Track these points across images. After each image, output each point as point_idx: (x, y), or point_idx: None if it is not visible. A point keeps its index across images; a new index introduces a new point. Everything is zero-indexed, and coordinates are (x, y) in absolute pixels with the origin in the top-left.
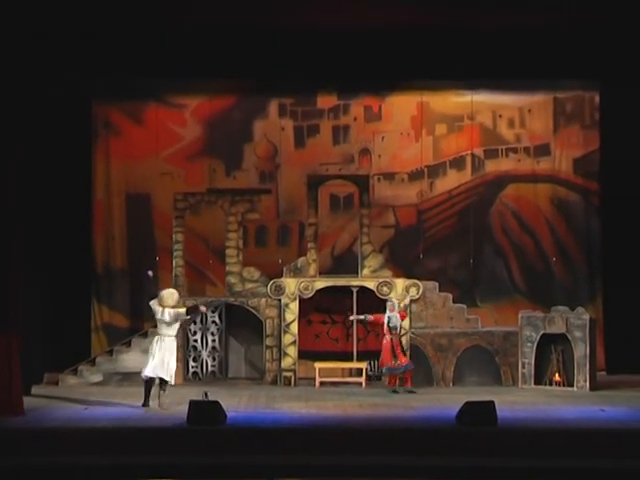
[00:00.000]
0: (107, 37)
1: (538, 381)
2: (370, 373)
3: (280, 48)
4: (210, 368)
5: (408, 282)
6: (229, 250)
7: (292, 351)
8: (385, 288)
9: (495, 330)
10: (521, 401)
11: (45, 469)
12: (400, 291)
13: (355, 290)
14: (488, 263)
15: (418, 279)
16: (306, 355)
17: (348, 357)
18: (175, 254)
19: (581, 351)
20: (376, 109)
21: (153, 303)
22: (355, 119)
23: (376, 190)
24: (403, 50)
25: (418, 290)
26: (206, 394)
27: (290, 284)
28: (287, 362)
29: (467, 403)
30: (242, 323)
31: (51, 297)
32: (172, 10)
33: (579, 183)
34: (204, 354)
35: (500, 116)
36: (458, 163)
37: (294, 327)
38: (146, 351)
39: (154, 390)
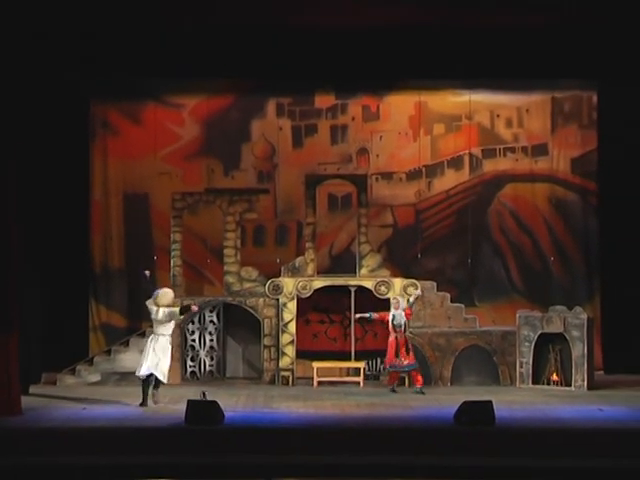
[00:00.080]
0: (105, 37)
1: (536, 381)
2: (368, 373)
3: (278, 48)
4: (208, 368)
5: (406, 282)
6: (227, 250)
7: (290, 351)
8: (383, 288)
9: (493, 330)
10: (519, 401)
11: (43, 469)
12: (398, 291)
13: (353, 290)
14: (486, 263)
15: (416, 279)
16: (304, 355)
17: (346, 357)
18: (173, 254)
19: (579, 351)
20: (374, 109)
21: (149, 302)
22: (353, 119)
23: (374, 190)
24: (401, 50)
25: (417, 289)
26: (204, 394)
27: (288, 284)
28: (285, 362)
29: (465, 403)
30: (240, 323)
31: (49, 297)
32: (170, 10)
33: (577, 183)
34: (202, 354)
35: (498, 116)
36: (456, 163)
37: (292, 327)
38: None
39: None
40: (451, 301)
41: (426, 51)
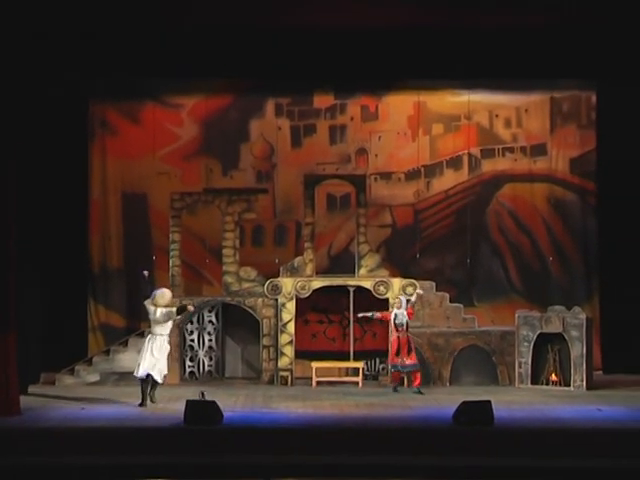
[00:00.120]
0: (104, 37)
1: (535, 381)
2: (367, 373)
3: (277, 48)
4: (207, 368)
5: (405, 282)
6: (226, 250)
7: (289, 351)
8: (382, 288)
9: (492, 330)
10: (518, 401)
11: (42, 469)
12: (397, 291)
13: (352, 290)
14: (485, 263)
15: (415, 279)
16: (303, 355)
17: (345, 357)
18: (172, 254)
19: (578, 350)
20: (373, 109)
21: (147, 302)
22: (352, 119)
23: (373, 190)
24: (400, 50)
25: (415, 289)
26: (203, 394)
27: (287, 284)
28: (284, 362)
29: (464, 403)
30: (239, 323)
31: (48, 297)
32: (169, 10)
33: (576, 183)
34: (201, 354)
35: (497, 116)
36: (455, 163)
37: (291, 327)
38: None
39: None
40: (450, 301)
41: (425, 51)
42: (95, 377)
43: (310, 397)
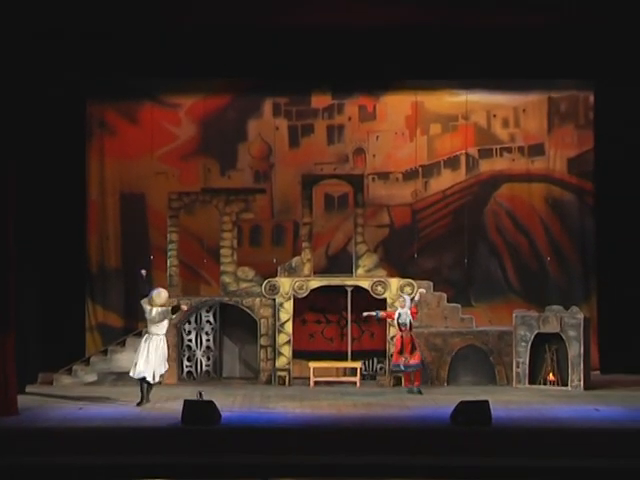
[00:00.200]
0: (102, 37)
1: (532, 380)
2: (365, 373)
3: (274, 48)
4: (204, 368)
5: (402, 282)
6: (223, 250)
7: (286, 351)
8: (379, 288)
9: (489, 330)
10: (515, 400)
11: (40, 469)
12: (395, 291)
13: (349, 290)
14: (482, 263)
15: (412, 279)
16: (300, 355)
17: (342, 357)
18: (169, 254)
19: (575, 350)
20: (370, 109)
21: (143, 301)
22: (349, 119)
23: (370, 190)
24: (397, 49)
25: (413, 289)
26: (200, 394)
27: (284, 284)
28: (281, 362)
29: (461, 402)
30: (236, 323)
31: (46, 297)
32: (167, 11)
33: (573, 183)
34: (198, 354)
35: (494, 116)
36: (452, 163)
37: (288, 327)
38: None
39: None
40: (448, 301)
41: (423, 51)
42: (93, 377)
43: (308, 397)
